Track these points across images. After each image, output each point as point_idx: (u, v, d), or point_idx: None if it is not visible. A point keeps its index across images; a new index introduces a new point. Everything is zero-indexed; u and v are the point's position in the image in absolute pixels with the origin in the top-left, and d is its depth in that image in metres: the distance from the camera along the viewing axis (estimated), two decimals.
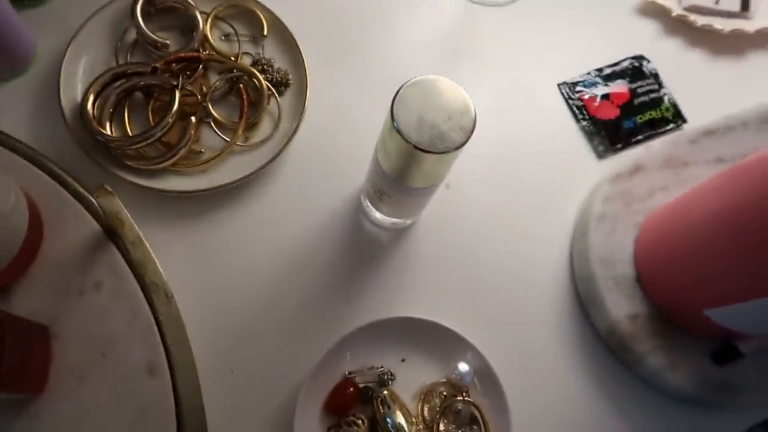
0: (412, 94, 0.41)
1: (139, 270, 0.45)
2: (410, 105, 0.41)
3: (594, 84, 0.65)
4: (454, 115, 0.40)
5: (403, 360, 0.51)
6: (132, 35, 0.58)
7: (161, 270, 0.46)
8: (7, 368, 0.39)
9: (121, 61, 0.57)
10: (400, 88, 0.41)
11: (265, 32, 0.59)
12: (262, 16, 0.60)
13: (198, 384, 0.45)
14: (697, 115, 0.64)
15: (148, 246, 0.45)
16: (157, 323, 0.45)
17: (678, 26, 0.68)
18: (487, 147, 0.60)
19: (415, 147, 0.40)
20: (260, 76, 0.57)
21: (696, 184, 0.52)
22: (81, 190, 0.50)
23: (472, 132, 0.40)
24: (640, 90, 0.64)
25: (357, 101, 0.61)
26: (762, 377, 0.51)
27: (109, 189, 0.44)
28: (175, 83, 0.54)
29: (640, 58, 0.66)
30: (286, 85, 0.58)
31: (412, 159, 0.42)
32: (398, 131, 0.40)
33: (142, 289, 0.46)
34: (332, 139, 0.59)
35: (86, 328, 0.46)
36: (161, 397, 0.44)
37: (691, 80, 0.66)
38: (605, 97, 0.64)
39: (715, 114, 0.60)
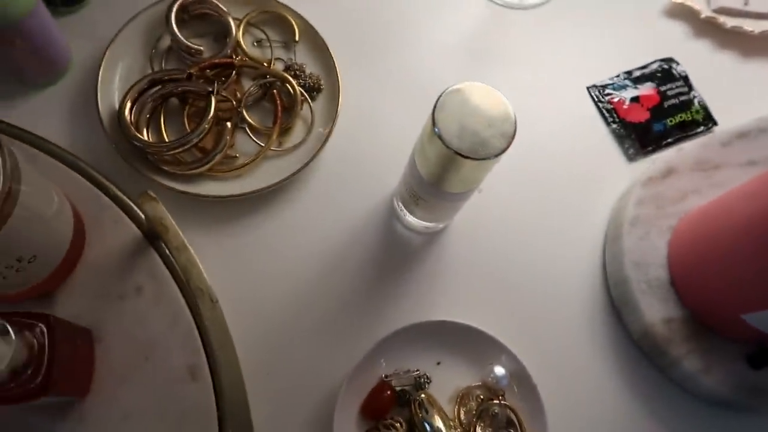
0: (452, 101, 0.41)
1: (182, 275, 0.46)
2: (451, 112, 0.41)
3: (623, 87, 0.65)
4: (494, 122, 0.41)
5: (438, 363, 0.52)
6: (166, 42, 0.59)
7: (205, 275, 0.46)
8: (57, 371, 0.39)
9: (156, 68, 0.58)
10: (441, 95, 0.41)
11: (297, 38, 0.60)
12: (293, 22, 0.60)
13: (244, 388, 0.46)
14: (728, 117, 0.63)
15: (192, 251, 0.45)
16: (199, 327, 0.46)
17: (707, 28, 0.68)
18: (518, 150, 0.59)
19: (457, 153, 0.40)
20: (293, 81, 0.57)
21: (728, 187, 0.52)
22: (120, 194, 0.51)
23: (513, 138, 0.41)
24: (669, 92, 0.64)
25: (387, 105, 0.61)
26: None
27: (153, 195, 0.45)
28: (211, 89, 0.55)
29: (669, 60, 0.66)
30: (319, 90, 0.59)
31: (451, 165, 0.42)
32: (440, 137, 0.40)
33: (183, 293, 0.47)
34: (364, 143, 0.59)
35: (128, 332, 0.47)
36: (203, 401, 0.45)
37: (721, 82, 0.66)
38: (635, 99, 0.64)
39: (746, 116, 0.60)
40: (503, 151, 0.41)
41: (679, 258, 0.54)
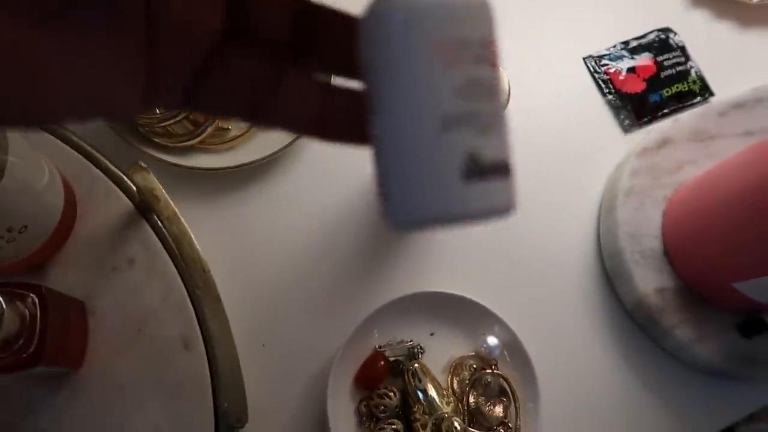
0: None
1: (174, 245, 0.46)
2: None
3: (620, 57, 0.64)
4: None
5: (432, 334, 0.52)
6: None
7: (197, 245, 0.46)
8: (49, 341, 0.39)
9: None
10: None
11: None
12: None
13: (236, 356, 0.46)
14: (725, 88, 0.63)
15: (183, 221, 0.45)
16: (192, 298, 0.46)
17: None
18: (513, 122, 0.60)
19: None
20: None
21: (724, 158, 0.52)
22: (112, 167, 0.50)
23: (505, 108, 0.40)
24: (666, 63, 0.64)
25: None
26: None
27: (144, 165, 0.45)
28: None
29: (666, 30, 0.65)
30: None
31: None
32: None
33: (176, 264, 0.47)
34: None
35: (121, 304, 0.47)
36: (197, 371, 0.45)
37: (718, 53, 0.65)
38: (631, 70, 0.63)
39: (744, 87, 0.60)
40: None
41: (673, 228, 0.54)
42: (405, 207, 0.17)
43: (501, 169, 0.17)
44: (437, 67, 0.16)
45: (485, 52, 0.17)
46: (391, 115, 0.17)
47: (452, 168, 0.16)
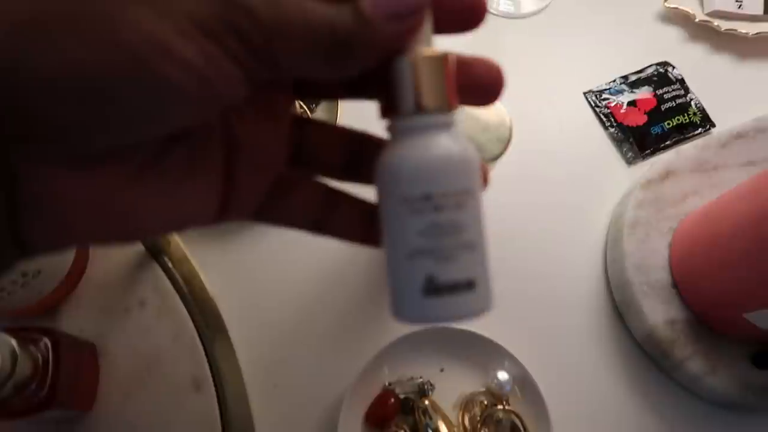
0: None
1: (184, 287, 0.46)
2: None
3: (620, 91, 0.65)
4: (490, 126, 0.41)
5: (441, 370, 0.52)
6: None
7: (207, 286, 0.47)
8: (62, 385, 0.40)
9: None
10: None
11: None
12: None
13: (246, 397, 0.46)
14: (726, 119, 0.64)
15: (193, 263, 0.46)
16: (202, 339, 0.46)
17: (702, 31, 0.69)
18: (517, 157, 0.60)
19: None
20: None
21: (728, 188, 0.52)
22: None
23: (509, 142, 0.41)
24: (666, 96, 0.65)
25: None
26: None
27: None
28: None
29: (665, 64, 0.67)
30: (318, 104, 0.59)
31: None
32: None
33: (186, 305, 0.47)
34: None
35: (132, 345, 0.47)
36: (208, 412, 0.45)
37: (717, 84, 0.66)
38: (632, 103, 0.64)
39: (743, 117, 0.60)
40: (500, 155, 0.41)
41: (680, 259, 0.54)
42: (392, 308, 0.24)
43: (458, 288, 0.22)
44: (405, 215, 0.22)
45: (447, 201, 0.21)
46: (384, 242, 0.23)
47: (416, 286, 0.22)
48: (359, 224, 0.26)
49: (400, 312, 0.23)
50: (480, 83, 0.24)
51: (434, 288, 0.22)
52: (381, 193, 0.23)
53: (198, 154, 0.22)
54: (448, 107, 0.22)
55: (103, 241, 0.21)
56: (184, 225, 0.23)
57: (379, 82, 0.23)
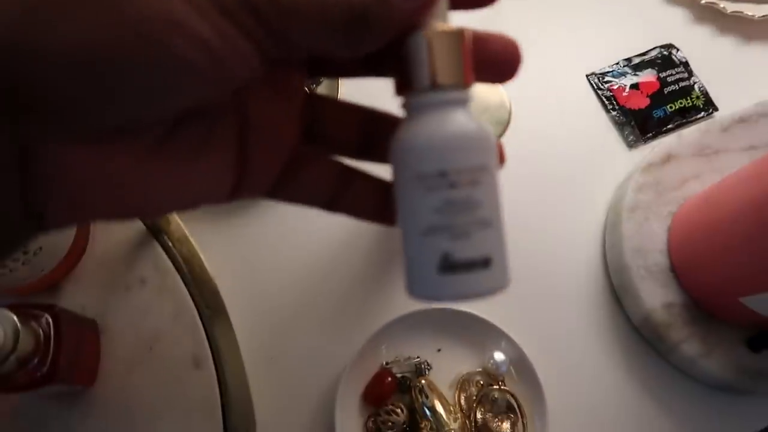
0: None
1: (184, 266, 0.47)
2: None
3: (623, 74, 0.65)
4: (490, 108, 0.41)
5: (439, 350, 0.52)
6: None
7: (206, 265, 0.47)
8: (63, 360, 0.40)
9: None
10: None
11: None
12: None
13: (245, 375, 0.47)
14: (729, 102, 0.63)
15: (193, 242, 0.46)
16: (202, 317, 0.47)
17: (707, 13, 0.68)
18: (518, 139, 0.60)
19: None
20: None
21: (729, 172, 0.52)
22: None
23: (508, 124, 0.41)
24: (669, 79, 0.64)
25: (389, 92, 0.61)
26: None
27: None
28: None
29: (669, 46, 0.66)
30: (319, 83, 0.59)
31: None
32: None
33: (186, 284, 0.48)
34: None
35: (133, 323, 0.48)
36: (207, 388, 0.46)
37: (722, 68, 0.65)
38: (635, 86, 0.64)
39: (747, 102, 0.60)
40: (499, 137, 0.41)
41: (679, 243, 0.54)
42: (407, 285, 0.23)
43: (474, 265, 0.22)
44: (420, 192, 0.22)
45: (463, 178, 0.21)
46: (399, 219, 0.23)
47: (431, 264, 0.22)
48: (373, 202, 0.26)
49: (415, 290, 0.23)
50: (496, 59, 0.24)
51: (449, 265, 0.22)
52: (396, 171, 0.23)
53: (211, 132, 0.22)
54: (464, 83, 0.22)
55: (116, 218, 0.21)
56: (197, 202, 0.23)
57: (394, 59, 0.22)
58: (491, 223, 0.22)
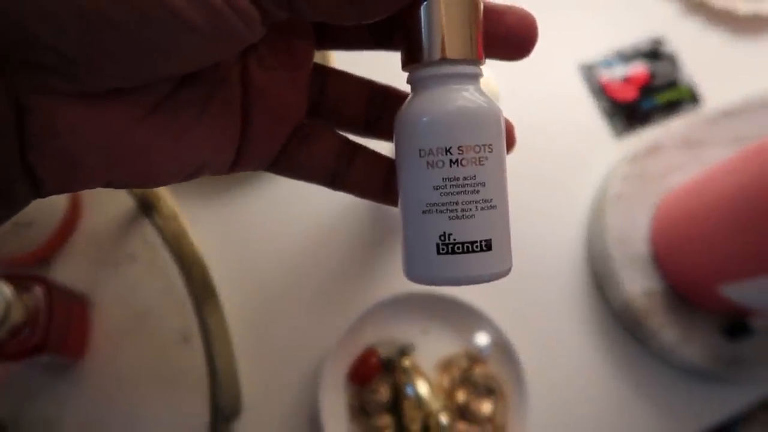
0: None
1: (173, 243, 0.47)
2: None
3: (613, 65, 0.65)
4: None
5: (423, 332, 0.53)
6: None
7: (195, 243, 0.48)
8: (54, 331, 0.41)
9: None
10: None
11: None
12: None
13: (232, 352, 0.47)
14: (716, 96, 0.64)
15: (183, 220, 0.47)
16: (191, 294, 0.48)
17: (697, 7, 0.69)
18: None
19: None
20: None
21: (713, 164, 0.53)
22: None
23: None
24: (658, 71, 0.65)
25: (381, 78, 0.62)
26: None
27: None
28: None
29: (658, 39, 0.67)
30: None
31: None
32: None
33: (176, 261, 0.49)
34: None
35: (123, 298, 0.48)
36: (195, 364, 0.47)
37: (710, 61, 0.66)
38: (624, 78, 0.65)
39: (734, 95, 0.61)
40: None
41: (661, 233, 0.55)
42: (405, 267, 0.22)
43: (474, 247, 0.21)
44: (421, 168, 0.21)
45: (467, 156, 0.20)
46: (400, 197, 0.22)
47: (430, 244, 0.21)
48: (377, 180, 0.25)
49: (412, 271, 0.22)
50: (511, 34, 0.22)
51: (449, 246, 0.20)
52: (398, 146, 0.22)
53: (213, 97, 0.21)
54: (474, 58, 0.21)
55: (114, 183, 0.21)
56: (199, 171, 0.22)
57: (401, 30, 0.21)
58: (494, 204, 0.21)
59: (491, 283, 0.57)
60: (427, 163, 0.21)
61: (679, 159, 0.59)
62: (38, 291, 0.41)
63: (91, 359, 0.47)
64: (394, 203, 0.24)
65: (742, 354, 0.53)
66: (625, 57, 0.66)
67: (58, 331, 0.42)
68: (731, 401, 0.54)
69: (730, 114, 0.61)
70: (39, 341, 0.40)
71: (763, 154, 0.46)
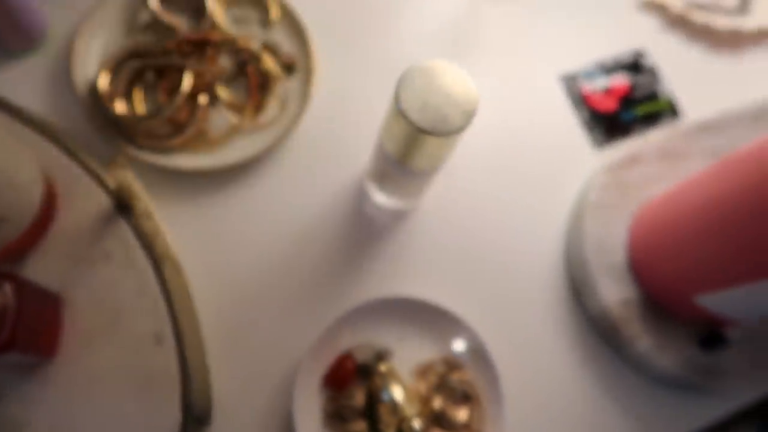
0: (417, 77, 0.42)
1: (148, 242, 0.47)
2: (415, 88, 0.42)
3: (594, 76, 0.66)
4: (457, 99, 0.42)
5: (400, 338, 0.53)
6: (145, 16, 0.59)
7: (170, 243, 0.47)
8: (23, 329, 0.40)
9: (133, 41, 0.59)
10: (406, 70, 0.42)
11: (274, 17, 0.61)
12: (271, 1, 0.61)
13: (204, 353, 0.47)
14: (695, 109, 0.65)
15: (158, 219, 0.46)
16: (165, 294, 0.47)
17: (678, 22, 0.70)
18: (487, 136, 0.62)
19: (418, 128, 0.41)
20: (269, 59, 0.58)
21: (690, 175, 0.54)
22: (93, 165, 0.52)
23: (473, 116, 0.42)
24: (639, 83, 0.66)
25: (363, 87, 0.62)
26: (745, 363, 0.53)
27: (123, 162, 0.46)
28: (185, 64, 0.55)
29: (639, 52, 0.68)
30: (294, 69, 0.60)
31: (414, 141, 0.43)
32: (402, 112, 0.41)
33: (151, 261, 0.48)
34: (337, 123, 0.60)
35: (97, 297, 0.48)
36: (168, 365, 0.46)
37: (689, 75, 0.67)
38: (605, 89, 0.65)
39: (712, 108, 0.62)
40: (463, 127, 0.42)
41: (637, 242, 0.56)
42: None
43: None
44: None
45: None
46: None
47: None
48: None
49: None
50: None
51: None
52: None
53: None
54: None
55: None
56: None
57: None
58: None
59: (468, 289, 0.58)
60: None
61: (657, 170, 0.60)
62: (7, 288, 0.40)
63: (62, 358, 0.46)
64: None
65: (717, 364, 0.53)
66: (607, 69, 0.67)
67: (27, 330, 0.41)
68: (706, 411, 0.55)
69: (707, 127, 0.61)
70: (6, 339, 0.39)
71: (738, 167, 0.47)
